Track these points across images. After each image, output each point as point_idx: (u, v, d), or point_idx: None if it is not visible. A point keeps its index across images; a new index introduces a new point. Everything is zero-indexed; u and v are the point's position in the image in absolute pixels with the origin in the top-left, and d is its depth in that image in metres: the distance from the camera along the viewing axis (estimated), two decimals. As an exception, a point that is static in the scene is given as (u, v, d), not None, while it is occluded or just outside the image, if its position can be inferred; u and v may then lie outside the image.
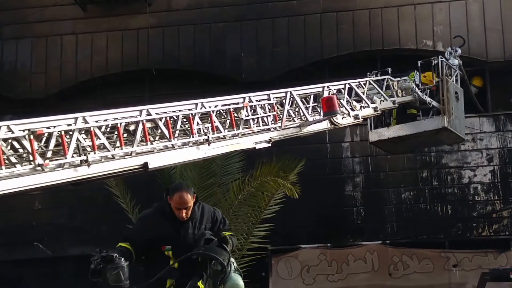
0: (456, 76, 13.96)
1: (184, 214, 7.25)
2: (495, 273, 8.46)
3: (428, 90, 13.62)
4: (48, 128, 7.97)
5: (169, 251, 7.36)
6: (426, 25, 16.94)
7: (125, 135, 8.79)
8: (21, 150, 7.81)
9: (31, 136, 7.73)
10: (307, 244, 16.69)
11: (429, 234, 16.62)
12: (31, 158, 7.70)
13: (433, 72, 13.77)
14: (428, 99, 13.43)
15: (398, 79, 13.26)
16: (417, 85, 13.53)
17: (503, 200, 16.43)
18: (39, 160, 7.78)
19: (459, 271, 15.61)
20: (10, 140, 7.64)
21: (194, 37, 18.34)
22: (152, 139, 9.17)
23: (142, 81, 17.74)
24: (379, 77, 12.97)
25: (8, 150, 7.65)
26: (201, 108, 9.69)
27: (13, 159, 7.67)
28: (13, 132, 7.53)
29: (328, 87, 11.65)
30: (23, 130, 7.66)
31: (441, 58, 13.82)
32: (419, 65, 13.83)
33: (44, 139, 7.91)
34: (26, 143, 7.76)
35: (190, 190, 7.36)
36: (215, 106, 9.99)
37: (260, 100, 10.64)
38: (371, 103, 12.53)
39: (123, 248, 7.12)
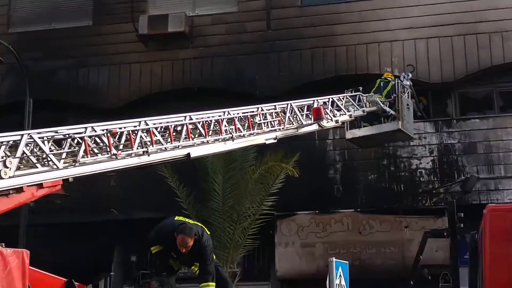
0: (408, 93, 14.04)
1: (184, 250, 7.28)
2: (434, 232, 8.53)
3: (388, 102, 13.64)
4: (120, 128, 8.27)
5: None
6: (387, 57, 17.12)
7: (174, 133, 9.07)
8: (101, 144, 8.14)
9: (108, 134, 8.05)
10: (301, 211, 16.87)
11: (388, 204, 16.63)
12: (108, 149, 8.04)
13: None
14: (388, 109, 13.66)
15: (367, 94, 13.48)
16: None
17: (440, 180, 16.57)
18: (113, 151, 8.13)
19: (409, 231, 15.80)
20: (93, 137, 7.95)
21: (223, 65, 18.42)
22: (193, 136, 9.44)
23: (186, 96, 17.85)
24: (353, 93, 13.17)
25: (92, 144, 7.97)
26: (227, 115, 9.96)
27: (95, 150, 8.00)
28: (95, 131, 7.85)
29: (317, 100, 12.00)
30: (103, 130, 7.98)
31: (397, 80, 14.04)
32: (380, 83, 13.98)
33: (117, 136, 8.22)
34: (104, 139, 8.09)
35: (191, 234, 7.34)
36: (237, 114, 10.26)
37: (269, 109, 10.88)
38: (347, 112, 12.84)
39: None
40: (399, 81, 14.09)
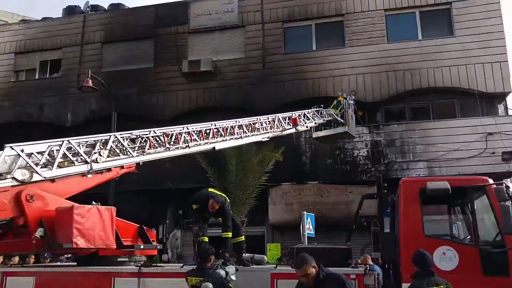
0: (352, 108, 14.04)
1: (211, 210, 7.14)
2: (368, 195, 8.59)
3: (339, 114, 13.66)
4: (171, 131, 8.32)
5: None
6: (338, 86, 17.07)
7: (204, 134, 9.15)
8: (159, 141, 8.18)
9: (164, 135, 8.11)
10: (285, 183, 16.95)
11: (339, 178, 16.69)
12: (164, 144, 8.10)
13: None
14: (339, 119, 13.71)
15: (326, 109, 13.51)
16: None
17: (372, 163, 16.63)
18: (167, 145, 8.17)
19: (352, 195, 15.83)
20: (155, 136, 8.01)
21: (235, 91, 18.48)
22: (216, 136, 9.48)
23: (212, 111, 17.87)
24: (317, 109, 13.25)
25: (154, 141, 8.03)
26: (238, 123, 10.00)
27: (156, 145, 8.07)
28: (156, 133, 7.93)
29: (294, 113, 12.00)
30: (161, 132, 8.05)
31: (345, 100, 14.07)
32: (335, 102, 13.97)
33: (169, 136, 8.26)
34: (161, 138, 8.14)
35: (218, 202, 7.12)
36: (244, 122, 10.32)
37: (264, 119, 10.94)
38: (313, 120, 12.92)
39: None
40: (346, 100, 14.13)
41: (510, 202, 5.63)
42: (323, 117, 13.26)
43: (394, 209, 7.06)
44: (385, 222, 7.34)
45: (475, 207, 6.17)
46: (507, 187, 5.85)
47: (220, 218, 7.37)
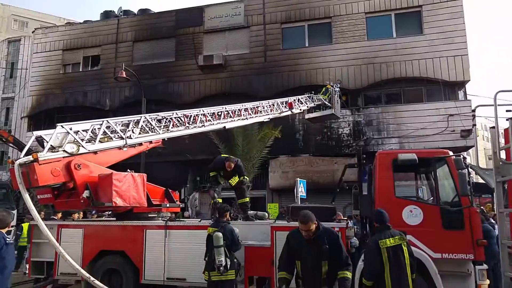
0: (337, 94, 13.92)
1: (229, 169, 7.13)
2: (350, 165, 8.53)
3: (327, 99, 13.54)
4: (190, 113, 8.23)
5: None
6: (326, 76, 16.93)
7: (217, 116, 9.04)
8: (181, 121, 8.09)
9: (184, 116, 8.00)
10: (282, 155, 16.93)
11: (326, 151, 16.66)
12: (184, 124, 8.03)
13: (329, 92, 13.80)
14: (327, 103, 13.58)
15: (317, 95, 13.31)
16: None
17: (353, 139, 16.50)
18: (187, 125, 8.09)
19: (337, 165, 15.76)
20: (177, 117, 7.89)
21: (241, 81, 18.32)
22: (227, 117, 9.39)
23: (223, 97, 17.68)
24: (309, 95, 13.12)
25: (176, 121, 7.92)
26: (244, 106, 9.90)
27: (178, 124, 7.99)
28: (177, 115, 7.79)
29: (290, 98, 11.86)
30: (181, 114, 7.93)
31: (332, 88, 13.87)
32: (324, 89, 13.80)
33: (188, 117, 8.17)
34: (182, 118, 8.06)
35: (233, 161, 7.13)
36: (249, 106, 10.23)
37: (265, 104, 10.83)
38: (306, 104, 12.68)
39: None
40: (333, 88, 13.99)
41: (466, 171, 5.64)
42: (314, 102, 13.15)
43: (371, 176, 7.06)
44: (363, 187, 7.35)
45: (438, 175, 6.13)
46: (464, 158, 5.84)
47: (232, 180, 7.34)
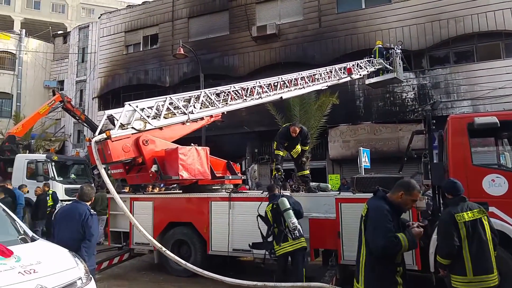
0: (399, 56, 13.02)
1: (294, 135, 7.00)
2: (417, 131, 7.91)
3: (389, 62, 12.73)
4: (247, 86, 8.08)
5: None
6: (386, 37, 15.83)
7: (273, 86, 8.83)
8: (238, 94, 7.98)
9: (241, 89, 7.91)
10: (342, 124, 16.38)
11: (390, 118, 15.85)
12: (241, 96, 7.91)
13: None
14: (388, 66, 12.82)
15: (376, 59, 12.59)
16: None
17: (418, 104, 15.51)
18: (244, 97, 7.95)
19: (401, 132, 15.08)
20: (234, 91, 7.82)
21: (296, 49, 17.76)
22: (283, 87, 9.18)
23: (278, 67, 17.39)
24: (368, 59, 12.52)
25: (234, 94, 7.84)
26: (300, 75, 9.68)
27: (235, 97, 7.89)
28: (235, 88, 7.76)
29: (348, 64, 11.32)
30: (239, 87, 7.83)
31: (394, 49, 13.01)
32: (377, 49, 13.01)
33: (245, 90, 8.05)
34: (239, 91, 7.95)
35: (298, 126, 7.05)
36: (306, 74, 9.90)
37: (322, 71, 10.45)
38: (366, 69, 12.07)
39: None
40: (394, 50, 13.06)
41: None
42: (374, 66, 12.49)
43: (441, 142, 6.50)
44: (434, 155, 6.81)
45: (523, 138, 5.46)
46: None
47: (294, 152, 7.19)
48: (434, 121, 6.60)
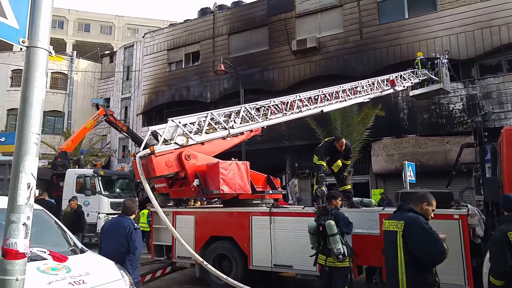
0: (445, 66, 12.58)
1: (340, 149, 6.86)
2: (467, 144, 7.53)
3: (434, 72, 12.34)
4: (287, 100, 8.12)
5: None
6: (431, 47, 15.23)
7: (314, 100, 8.80)
8: (278, 108, 8.00)
9: (281, 103, 7.95)
10: (385, 137, 15.93)
11: (436, 130, 15.17)
12: (281, 111, 7.92)
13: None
14: (433, 77, 12.44)
15: (421, 69, 12.23)
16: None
17: (467, 115, 14.78)
18: (284, 111, 7.99)
19: (448, 145, 14.44)
20: (274, 105, 7.87)
21: (337, 61, 17.61)
22: (324, 100, 9.12)
23: (318, 80, 17.32)
24: (412, 70, 12.25)
25: (273, 108, 7.89)
26: (342, 88, 9.57)
27: (275, 111, 7.89)
28: (275, 102, 7.82)
29: (391, 75, 11.12)
30: (278, 101, 7.89)
31: (440, 59, 12.61)
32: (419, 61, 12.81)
33: (285, 104, 8.10)
34: (279, 106, 7.99)
35: (343, 139, 6.91)
36: (347, 87, 9.82)
37: (364, 83, 10.34)
38: (410, 80, 11.77)
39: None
40: (440, 60, 12.66)
41: None
42: (418, 77, 12.21)
43: (494, 156, 6.16)
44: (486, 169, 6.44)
45: None
46: None
47: (335, 166, 7.07)
48: (486, 133, 6.28)
